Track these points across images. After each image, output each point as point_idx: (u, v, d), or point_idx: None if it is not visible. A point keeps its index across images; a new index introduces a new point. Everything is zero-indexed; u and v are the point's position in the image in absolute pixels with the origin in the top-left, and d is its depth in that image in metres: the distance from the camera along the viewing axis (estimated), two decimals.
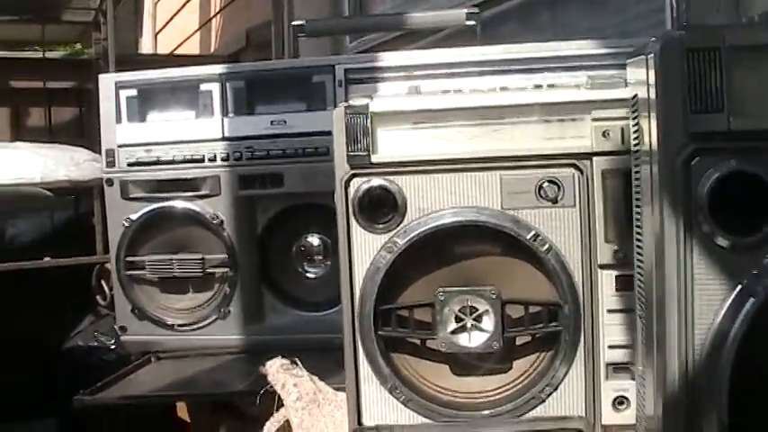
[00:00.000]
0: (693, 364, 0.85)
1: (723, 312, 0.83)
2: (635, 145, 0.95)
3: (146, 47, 6.93)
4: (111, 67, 3.44)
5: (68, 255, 2.77)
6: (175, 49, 6.25)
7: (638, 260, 0.96)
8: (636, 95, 0.93)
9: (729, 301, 0.83)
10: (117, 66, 3.49)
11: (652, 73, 0.86)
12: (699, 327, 0.85)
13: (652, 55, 0.85)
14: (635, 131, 0.95)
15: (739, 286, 0.83)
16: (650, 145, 0.88)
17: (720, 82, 0.82)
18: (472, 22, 2.13)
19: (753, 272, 0.83)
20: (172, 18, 6.51)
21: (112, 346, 2.61)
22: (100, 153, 2.68)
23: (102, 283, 2.73)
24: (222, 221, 1.95)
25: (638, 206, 0.95)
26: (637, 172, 0.96)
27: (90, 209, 2.87)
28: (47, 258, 2.74)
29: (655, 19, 2.22)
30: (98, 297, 2.75)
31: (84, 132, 3.96)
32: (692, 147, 0.83)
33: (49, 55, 4.46)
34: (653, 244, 0.87)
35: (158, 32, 6.91)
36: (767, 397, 0.83)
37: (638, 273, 0.96)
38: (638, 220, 0.95)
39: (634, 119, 0.95)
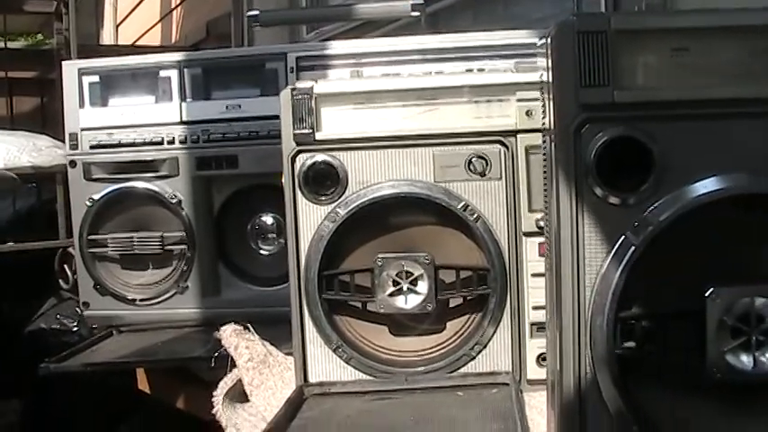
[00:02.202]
0: (584, 306, 0.97)
1: (609, 260, 0.95)
2: (543, 122, 1.06)
3: (107, 38, 6.89)
4: (73, 58, 3.45)
5: (31, 240, 2.77)
6: (136, 40, 6.20)
7: (546, 223, 1.07)
8: (542, 76, 1.05)
9: (614, 251, 0.95)
10: (78, 56, 3.48)
11: (549, 53, 0.98)
12: (589, 275, 0.96)
13: (550, 38, 0.97)
14: (543, 110, 1.06)
15: (623, 237, 0.95)
16: (549, 117, 1.00)
17: (606, 60, 0.93)
18: (417, 13, 2.22)
19: (634, 224, 0.95)
20: (133, 9, 6.47)
21: (75, 329, 2.66)
22: (62, 140, 2.74)
23: (65, 266, 2.72)
24: (180, 201, 2.01)
25: (545, 176, 1.06)
26: (544, 146, 1.07)
27: (52, 195, 2.84)
28: (10, 243, 2.74)
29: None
30: (61, 281, 2.73)
31: (46, 121, 3.93)
32: (582, 116, 0.94)
33: (11, 45, 4.39)
34: (553, 205, 0.99)
35: (119, 24, 6.85)
36: (645, 330, 0.96)
37: (546, 235, 1.07)
38: (545, 188, 1.06)
39: (542, 98, 1.07)
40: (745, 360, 0.94)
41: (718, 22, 0.96)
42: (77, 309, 2.62)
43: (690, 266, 0.95)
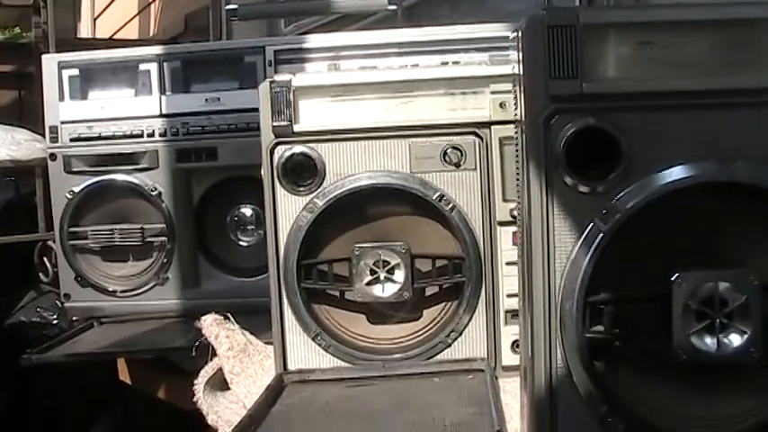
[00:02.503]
0: (555, 292, 1.00)
1: (578, 247, 0.98)
2: (515, 113, 1.09)
3: (84, 31, 6.86)
4: (51, 51, 3.44)
5: (10, 233, 2.75)
6: (114, 33, 6.19)
7: (518, 212, 1.10)
8: (514, 69, 1.08)
9: (583, 237, 0.98)
10: (56, 50, 3.48)
11: (520, 46, 1.01)
12: (559, 262, 0.99)
13: (520, 32, 1.00)
14: (515, 101, 1.09)
15: (591, 224, 0.98)
16: (521, 108, 1.03)
17: (575, 53, 0.97)
18: (393, 7, 2.26)
19: (603, 212, 0.98)
20: (111, 2, 6.44)
21: (55, 321, 2.64)
22: (41, 134, 2.75)
23: (45, 259, 2.75)
24: (160, 193, 2.04)
25: (518, 166, 1.09)
26: (516, 137, 1.10)
27: (31, 188, 2.84)
28: None
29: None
30: (41, 274, 2.74)
31: (24, 115, 3.91)
32: (552, 107, 0.97)
33: None
34: (524, 193, 1.02)
35: (97, 17, 6.83)
36: (614, 314, 0.99)
37: (519, 223, 1.10)
38: (518, 178, 1.09)
39: (514, 90, 1.10)
40: (710, 342, 0.98)
41: (682, 17, 1.00)
42: (57, 302, 2.63)
43: (656, 252, 0.99)
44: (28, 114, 3.75)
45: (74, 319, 2.29)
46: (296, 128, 1.46)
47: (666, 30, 0.99)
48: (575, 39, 0.97)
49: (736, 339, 0.98)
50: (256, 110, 1.49)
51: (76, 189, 2.07)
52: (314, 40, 2.00)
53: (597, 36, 0.98)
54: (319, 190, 1.46)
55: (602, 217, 0.98)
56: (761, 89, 0.98)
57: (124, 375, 2.33)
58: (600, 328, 0.99)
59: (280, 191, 1.47)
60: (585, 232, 0.98)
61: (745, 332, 0.97)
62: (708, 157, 0.99)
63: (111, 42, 5.16)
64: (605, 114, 0.98)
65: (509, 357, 1.46)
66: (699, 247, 0.99)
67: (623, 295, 0.99)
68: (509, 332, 1.46)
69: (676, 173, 0.98)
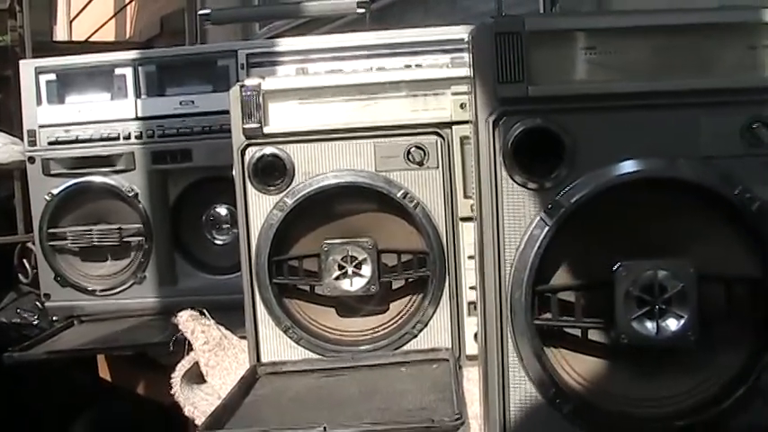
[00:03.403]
0: (505, 282, 1.06)
1: (526, 239, 1.04)
2: (470, 114, 1.15)
3: (60, 33, 6.85)
4: (28, 55, 3.45)
5: None
6: (90, 36, 6.18)
7: (475, 208, 1.16)
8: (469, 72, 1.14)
9: (530, 230, 1.05)
10: (33, 53, 3.48)
11: (471, 52, 1.07)
12: (509, 254, 1.05)
13: (471, 38, 1.07)
14: (469, 103, 1.15)
15: (538, 218, 1.04)
16: (472, 110, 1.09)
17: (521, 59, 1.03)
18: (362, 10, 2.31)
19: (548, 206, 1.04)
20: (87, 5, 6.44)
21: (35, 322, 2.65)
22: (18, 137, 2.78)
23: (24, 261, 2.76)
24: (137, 194, 2.07)
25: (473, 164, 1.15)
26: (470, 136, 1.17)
27: (8, 191, 2.87)
28: None
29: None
30: (20, 275, 2.75)
31: (1, 118, 3.92)
32: (501, 109, 1.03)
33: None
34: (477, 190, 1.09)
35: (73, 19, 6.83)
36: (560, 301, 1.06)
37: (475, 219, 1.16)
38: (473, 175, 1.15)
39: (468, 93, 1.16)
40: (650, 327, 1.04)
41: (622, 23, 1.06)
42: (37, 302, 2.66)
43: (599, 243, 1.06)
44: (4, 118, 3.75)
45: (54, 319, 2.32)
46: (266, 130, 1.50)
47: (608, 36, 1.06)
48: (521, 45, 1.04)
49: (674, 324, 1.04)
50: (229, 112, 1.53)
51: (55, 191, 2.09)
52: (284, 44, 2.04)
53: (542, 42, 1.04)
54: (289, 189, 1.51)
55: (548, 211, 1.04)
56: (698, 91, 1.05)
57: (104, 373, 2.37)
58: (548, 315, 1.06)
59: (251, 190, 1.52)
60: (533, 225, 1.05)
61: (683, 317, 1.04)
62: (649, 154, 1.05)
63: (87, 45, 5.15)
64: (550, 115, 1.04)
65: (472, 347, 1.50)
66: (639, 238, 1.05)
67: (569, 284, 1.06)
68: (472, 323, 1.50)
69: (617, 169, 1.05)
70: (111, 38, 5.79)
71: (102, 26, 6.13)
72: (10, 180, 2.86)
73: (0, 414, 2.80)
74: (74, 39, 6.55)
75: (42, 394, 2.80)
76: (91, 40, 6.04)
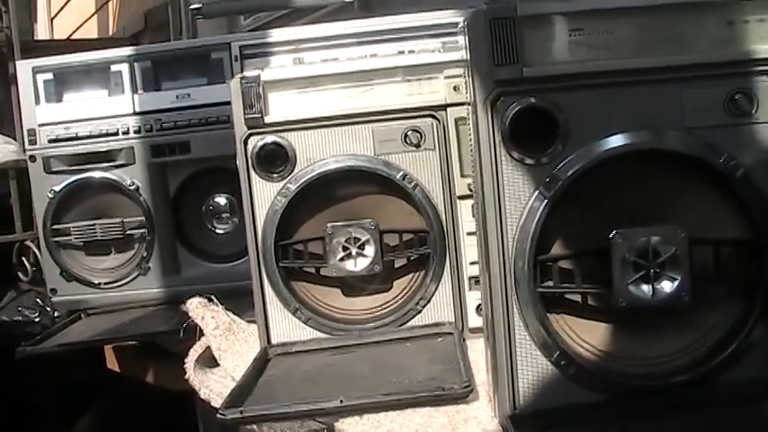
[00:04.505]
0: (508, 254, 1.12)
1: (526, 213, 1.10)
2: (467, 96, 1.21)
3: (42, 31, 6.80)
4: (17, 56, 3.46)
5: None
6: (73, 33, 6.15)
7: (474, 185, 1.22)
8: (464, 55, 1.20)
9: (530, 204, 1.10)
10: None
11: (467, 38, 1.13)
12: (510, 227, 1.10)
13: (466, 24, 1.13)
14: (466, 85, 1.20)
15: (536, 192, 1.10)
16: (470, 92, 1.15)
17: (515, 42, 1.08)
18: None
19: (546, 180, 1.10)
20: (67, 2, 6.42)
21: (36, 319, 2.71)
22: (11, 137, 2.81)
23: (23, 259, 2.78)
24: (138, 188, 2.11)
25: (471, 144, 1.21)
26: (468, 117, 1.22)
27: (5, 191, 2.89)
28: None
29: None
30: (20, 273, 2.79)
31: None
32: (497, 90, 1.09)
33: None
34: (477, 168, 1.15)
35: (54, 17, 6.79)
36: (561, 269, 1.12)
37: (474, 196, 1.22)
38: (472, 154, 1.21)
39: (465, 75, 1.22)
40: (646, 289, 1.10)
41: (606, 5, 1.11)
42: (38, 300, 2.71)
43: (596, 213, 1.11)
44: None
45: (56, 315, 2.38)
46: (266, 119, 1.55)
47: (596, 17, 1.11)
48: (514, 29, 1.09)
49: (668, 286, 1.10)
50: (226, 104, 1.59)
51: (57, 188, 2.13)
52: (277, 35, 2.08)
53: (534, 25, 1.10)
54: (291, 176, 1.56)
55: (546, 185, 1.10)
56: (681, 66, 1.10)
57: (112, 364, 2.41)
58: (549, 283, 1.12)
59: (255, 178, 1.56)
60: (532, 199, 1.10)
61: (676, 279, 1.10)
62: (638, 127, 1.11)
63: (71, 43, 5.14)
64: (544, 94, 1.10)
65: (474, 320, 1.56)
66: (632, 207, 1.11)
67: (568, 253, 1.12)
68: (473, 297, 1.56)
69: (609, 143, 1.10)
70: (94, 35, 5.76)
71: (84, 23, 6.08)
72: (5, 179, 2.88)
73: (6, 407, 2.85)
74: (55, 37, 6.51)
75: (47, 389, 2.83)
76: (73, 37, 6.01)
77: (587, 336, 1.14)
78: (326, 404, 1.24)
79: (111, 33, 5.57)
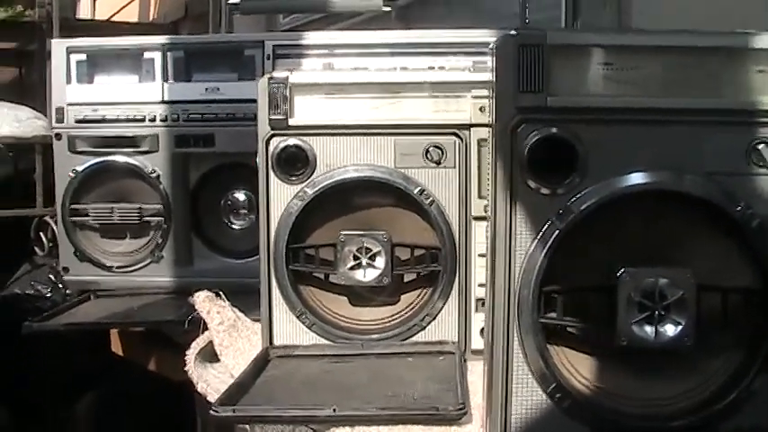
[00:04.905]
0: (514, 281, 1.11)
1: (536, 242, 1.10)
2: (489, 119, 1.21)
3: (84, 11, 6.86)
4: (55, 33, 3.49)
5: (7, 207, 2.84)
6: (114, 14, 6.22)
7: (488, 210, 1.21)
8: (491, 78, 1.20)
9: (541, 233, 1.10)
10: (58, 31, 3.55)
11: (494, 61, 1.13)
12: (519, 255, 1.10)
13: (495, 48, 1.13)
14: (489, 108, 1.21)
15: (549, 222, 1.10)
16: (492, 116, 1.15)
17: (541, 70, 1.08)
18: (388, 9, 2.36)
19: (559, 211, 1.09)
20: None
21: (48, 294, 2.73)
22: (41, 112, 2.84)
23: (41, 234, 2.82)
24: (159, 175, 2.12)
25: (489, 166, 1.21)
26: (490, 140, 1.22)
27: (29, 165, 2.92)
28: None
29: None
30: (36, 248, 2.83)
31: (24, 92, 3.93)
32: (519, 117, 1.09)
33: None
34: (492, 192, 1.14)
35: None
36: (565, 302, 1.12)
37: (488, 219, 1.22)
38: (488, 178, 1.21)
39: (489, 98, 1.22)
40: (649, 331, 1.10)
41: (638, 42, 1.11)
42: (51, 276, 2.72)
43: (605, 249, 1.11)
44: (28, 92, 3.79)
45: (67, 292, 2.39)
46: (291, 122, 1.55)
47: (626, 52, 1.11)
48: (542, 57, 1.09)
49: (671, 329, 1.10)
50: (253, 101, 1.57)
51: (79, 168, 2.15)
52: (311, 38, 2.08)
53: (563, 55, 1.09)
54: (310, 180, 1.55)
55: (559, 216, 1.09)
56: (704, 110, 1.10)
57: (116, 348, 2.43)
58: (553, 314, 1.11)
59: (273, 179, 1.56)
60: (543, 229, 1.10)
61: (681, 323, 1.09)
62: (657, 167, 1.11)
63: (111, 25, 5.17)
64: (566, 125, 1.09)
65: (478, 342, 1.55)
66: (644, 246, 1.11)
67: (574, 286, 1.11)
68: (479, 319, 1.55)
69: (627, 180, 1.10)
70: (135, 18, 5.79)
71: (125, 5, 6.13)
72: (31, 154, 2.91)
73: (7, 381, 2.86)
74: (97, 17, 6.55)
75: (50, 367, 2.85)
76: (114, 19, 6.05)
77: (585, 370, 1.13)
78: (319, 412, 1.25)
79: (151, 18, 5.60)
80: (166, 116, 2.13)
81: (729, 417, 1.13)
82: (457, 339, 1.58)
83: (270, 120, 1.56)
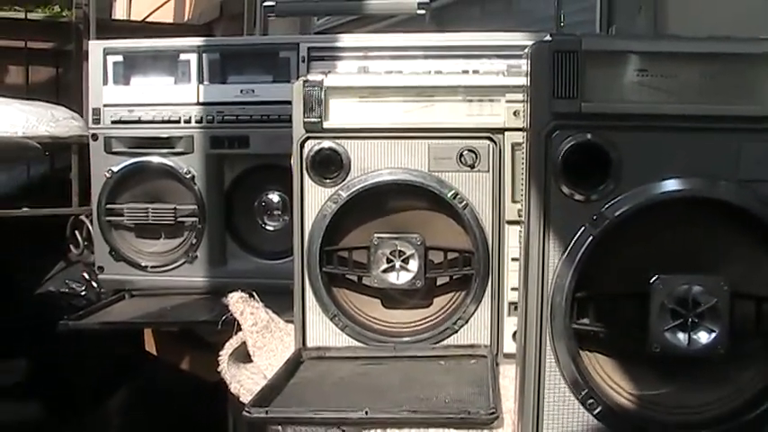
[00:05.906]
0: (548, 287, 1.12)
1: (570, 247, 1.10)
2: (523, 123, 1.21)
3: (119, 11, 6.92)
4: (92, 34, 3.51)
5: (44, 206, 2.87)
6: (149, 15, 6.25)
7: (522, 214, 1.22)
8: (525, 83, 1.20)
9: (575, 239, 1.10)
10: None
11: (529, 67, 1.13)
12: (553, 260, 1.10)
13: (530, 54, 1.13)
14: (524, 113, 1.21)
15: (583, 228, 1.10)
16: (526, 121, 1.15)
17: (576, 76, 1.08)
18: (422, 12, 2.36)
19: (593, 218, 1.09)
20: None
21: (82, 292, 2.77)
22: (77, 112, 2.86)
23: (76, 233, 2.83)
24: (194, 176, 2.14)
25: (522, 171, 1.21)
26: (523, 145, 1.22)
27: (65, 164, 2.96)
28: (25, 208, 2.85)
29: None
30: (71, 246, 2.85)
31: (60, 92, 3.97)
32: (553, 123, 1.09)
33: (31, 16, 4.41)
34: (526, 197, 1.15)
35: None
36: (598, 308, 1.12)
37: (522, 223, 1.22)
38: (522, 182, 1.21)
39: (524, 102, 1.22)
40: (681, 338, 1.10)
41: (674, 49, 1.11)
42: (84, 274, 2.75)
43: (639, 255, 1.11)
44: (64, 91, 3.84)
45: (102, 291, 2.42)
46: (325, 124, 1.56)
47: (660, 60, 1.10)
48: (577, 63, 1.09)
49: (704, 337, 1.10)
50: (288, 102, 1.59)
51: (115, 168, 2.17)
52: (345, 40, 2.10)
53: (597, 62, 1.09)
54: (344, 183, 1.56)
55: (593, 222, 1.10)
56: (740, 117, 1.10)
57: (150, 346, 2.45)
58: (585, 320, 1.12)
59: (308, 181, 1.57)
60: (577, 235, 1.10)
61: (714, 331, 1.09)
62: (691, 174, 1.10)
63: (147, 25, 5.21)
64: (601, 132, 1.09)
65: (510, 346, 1.55)
66: (677, 253, 1.10)
67: (607, 292, 1.11)
68: (511, 322, 1.55)
69: (662, 186, 1.10)
70: (170, 19, 5.83)
71: (161, 5, 6.16)
72: (68, 153, 2.94)
73: (40, 382, 2.91)
74: (132, 17, 6.60)
75: (83, 364, 2.87)
76: (149, 20, 6.09)
77: (618, 377, 1.13)
78: (351, 414, 1.25)
79: (186, 19, 5.63)
80: (201, 117, 2.14)
81: (762, 426, 1.13)
82: (489, 343, 1.58)
83: (305, 122, 1.56)
